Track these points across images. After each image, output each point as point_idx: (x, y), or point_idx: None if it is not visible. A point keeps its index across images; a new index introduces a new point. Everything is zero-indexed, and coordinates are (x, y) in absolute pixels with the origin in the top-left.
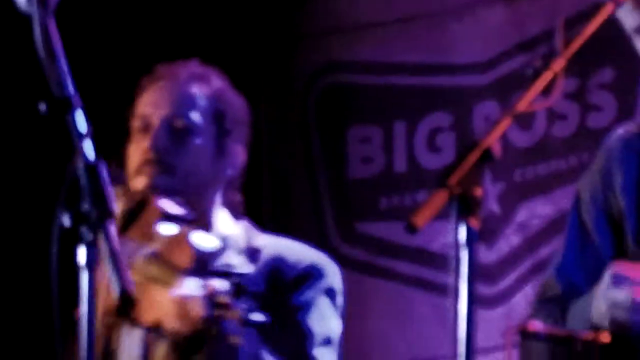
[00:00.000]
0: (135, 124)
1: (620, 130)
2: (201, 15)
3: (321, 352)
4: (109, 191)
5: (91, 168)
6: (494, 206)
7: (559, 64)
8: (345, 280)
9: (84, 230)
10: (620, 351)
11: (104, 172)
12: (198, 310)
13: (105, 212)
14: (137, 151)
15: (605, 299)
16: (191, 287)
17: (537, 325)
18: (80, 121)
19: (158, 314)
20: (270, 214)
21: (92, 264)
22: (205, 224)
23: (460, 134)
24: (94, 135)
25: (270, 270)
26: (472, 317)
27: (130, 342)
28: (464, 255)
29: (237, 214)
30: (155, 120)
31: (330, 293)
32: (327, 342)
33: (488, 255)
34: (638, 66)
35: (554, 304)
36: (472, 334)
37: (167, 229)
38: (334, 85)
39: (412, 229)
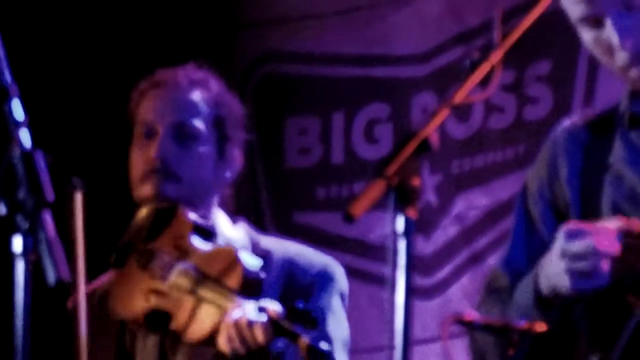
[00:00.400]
0: (138, 130)
1: (566, 122)
2: (141, 4)
3: (341, 356)
4: (45, 179)
5: (27, 156)
6: (431, 197)
7: (496, 56)
8: None
9: (19, 218)
10: (555, 338)
11: (41, 161)
12: (262, 336)
13: (41, 201)
14: (141, 158)
15: (563, 256)
16: (251, 310)
17: (473, 315)
18: (17, 109)
19: (206, 331)
20: None
21: (27, 252)
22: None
23: (398, 125)
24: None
25: (284, 276)
26: (408, 308)
27: (145, 348)
28: (401, 246)
29: (231, 214)
30: (160, 127)
31: (342, 296)
32: (345, 344)
33: (425, 246)
34: (574, 58)
35: (501, 295)
36: (409, 324)
37: (202, 244)
38: (272, 76)
39: (349, 219)
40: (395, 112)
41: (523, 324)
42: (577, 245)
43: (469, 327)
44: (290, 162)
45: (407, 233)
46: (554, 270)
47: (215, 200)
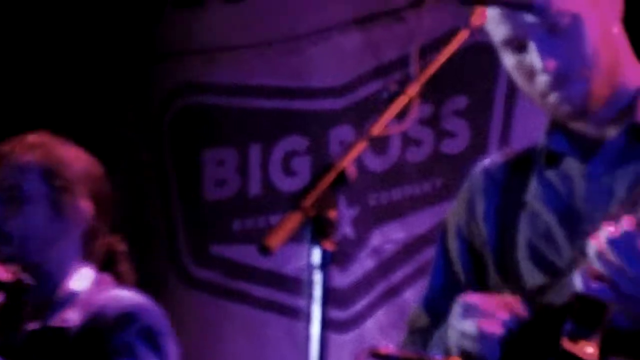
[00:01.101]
0: None
1: (486, 161)
2: (59, 35)
3: None
4: None
5: None
6: (348, 230)
7: (413, 89)
8: (198, 303)
9: None
10: None
11: None
12: None
13: None
14: None
15: (455, 330)
16: None
17: (388, 349)
18: None
19: None
20: (123, 236)
21: None
22: (51, 284)
23: (316, 157)
24: None
25: (92, 319)
26: (324, 341)
27: None
28: (317, 279)
29: (104, 265)
30: None
31: (147, 335)
32: None
33: (341, 279)
34: (491, 94)
35: (420, 335)
36: (324, 357)
37: None
38: (189, 107)
39: (265, 251)
40: (313, 145)
41: (439, 358)
42: (467, 325)
43: None
44: (207, 193)
45: (324, 265)
46: (453, 337)
47: (70, 255)
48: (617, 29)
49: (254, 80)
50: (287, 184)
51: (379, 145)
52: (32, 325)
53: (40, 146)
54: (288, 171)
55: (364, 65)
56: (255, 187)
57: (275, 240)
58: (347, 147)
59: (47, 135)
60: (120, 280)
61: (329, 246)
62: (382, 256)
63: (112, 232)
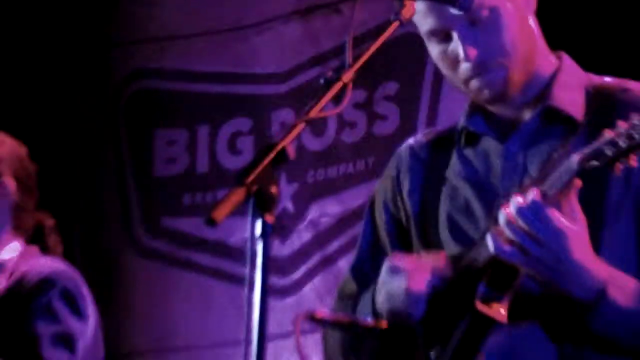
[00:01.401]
0: None
1: (411, 140)
2: (18, 25)
3: (51, 351)
4: None
5: None
6: (288, 204)
7: (347, 76)
8: (149, 271)
9: None
10: (397, 335)
11: None
12: None
13: None
14: None
15: (383, 290)
16: None
17: (323, 313)
18: None
19: None
20: (81, 210)
21: None
22: None
23: (259, 138)
24: None
25: (15, 284)
26: (264, 305)
27: None
28: (259, 249)
29: (34, 238)
30: None
31: (66, 297)
32: (60, 341)
33: (281, 250)
34: (420, 81)
35: (349, 300)
36: (265, 321)
37: None
38: (142, 91)
39: (211, 223)
40: (256, 126)
41: (369, 321)
42: (394, 284)
43: (320, 323)
44: (159, 170)
45: (265, 236)
46: (381, 297)
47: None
48: (532, 21)
49: (203, 66)
50: (232, 162)
51: (317, 126)
52: None
53: None
54: (233, 150)
55: (303, 54)
56: (203, 165)
57: (221, 213)
58: (287, 128)
59: None
60: (49, 252)
61: (270, 219)
62: (318, 228)
63: (64, 207)
